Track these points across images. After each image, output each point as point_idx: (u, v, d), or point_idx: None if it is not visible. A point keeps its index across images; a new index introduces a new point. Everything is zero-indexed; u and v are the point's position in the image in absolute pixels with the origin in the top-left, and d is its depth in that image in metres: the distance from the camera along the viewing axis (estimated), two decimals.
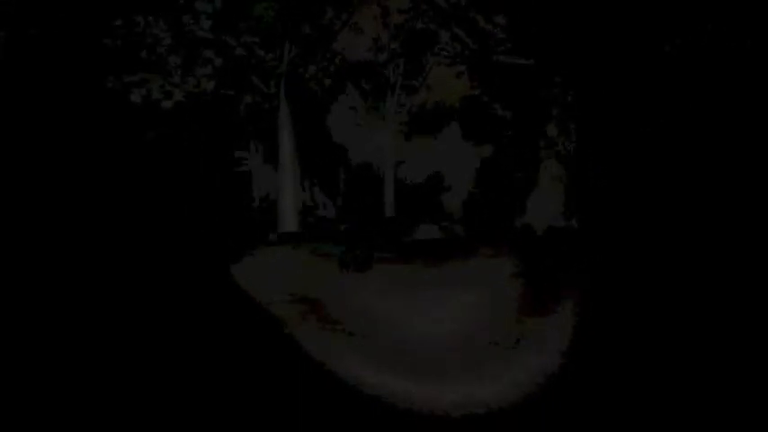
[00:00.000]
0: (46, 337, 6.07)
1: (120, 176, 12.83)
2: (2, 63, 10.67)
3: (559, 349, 6.93)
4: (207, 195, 16.97)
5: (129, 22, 11.50)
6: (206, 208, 16.84)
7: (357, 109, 23.23)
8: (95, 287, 7.68)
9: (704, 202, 9.02)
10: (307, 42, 16.86)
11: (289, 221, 17.69)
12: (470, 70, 15.91)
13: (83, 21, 10.90)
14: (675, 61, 9.39)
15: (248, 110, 15.42)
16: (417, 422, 5.50)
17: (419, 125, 23.00)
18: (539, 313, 8.08)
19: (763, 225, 7.86)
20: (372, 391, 6.09)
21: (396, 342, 7.61)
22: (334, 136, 22.79)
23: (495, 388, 6.22)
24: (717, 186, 8.82)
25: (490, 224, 19.39)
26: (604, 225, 11.07)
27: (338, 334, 7.66)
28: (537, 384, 6.20)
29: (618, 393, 5.61)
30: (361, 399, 5.75)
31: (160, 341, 6.30)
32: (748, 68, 8.30)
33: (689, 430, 4.79)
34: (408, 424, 5.42)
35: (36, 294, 7.20)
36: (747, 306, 6.72)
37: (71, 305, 7.14)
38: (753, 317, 6.48)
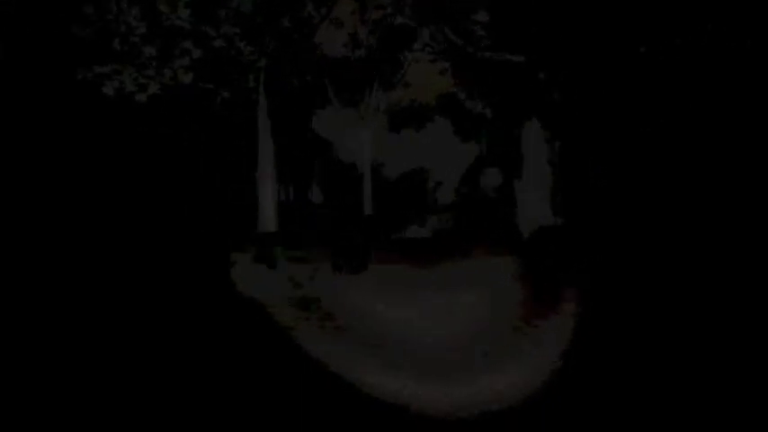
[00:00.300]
0: (46, 336, 5.77)
1: (120, 175, 12.23)
2: None
3: (558, 350, 6.86)
4: (206, 194, 16.38)
5: (100, 8, 10.82)
6: (206, 207, 16.26)
7: (335, 105, 22.87)
8: (94, 287, 7.30)
9: (702, 202, 9.14)
10: (286, 36, 16.41)
11: (268, 220, 17.22)
12: (454, 67, 15.81)
13: (51, 7, 10.18)
14: (676, 60, 9.47)
15: (225, 105, 14.88)
16: (418, 422, 5.36)
17: (398, 122, 22.81)
18: (538, 314, 8.02)
19: (761, 223, 8.00)
20: (373, 391, 5.89)
21: (396, 343, 7.40)
22: (317, 132, 22.37)
23: (494, 388, 6.10)
24: (716, 185, 8.94)
25: (478, 222, 19.40)
26: (596, 223, 11.15)
27: (337, 335, 7.41)
28: (537, 385, 6.11)
29: (617, 392, 5.56)
30: (363, 399, 5.56)
31: (160, 339, 6.03)
32: (748, 68, 8.42)
33: (689, 429, 4.77)
34: (409, 424, 5.28)
35: (32, 296, 6.77)
36: (745, 303, 6.78)
37: (69, 306, 6.75)
38: (751, 314, 6.53)
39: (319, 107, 22.49)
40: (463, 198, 20.60)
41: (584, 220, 11.75)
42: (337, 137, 23.08)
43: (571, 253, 9.95)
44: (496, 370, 6.77)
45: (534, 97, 13.32)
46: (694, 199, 9.29)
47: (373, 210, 24.75)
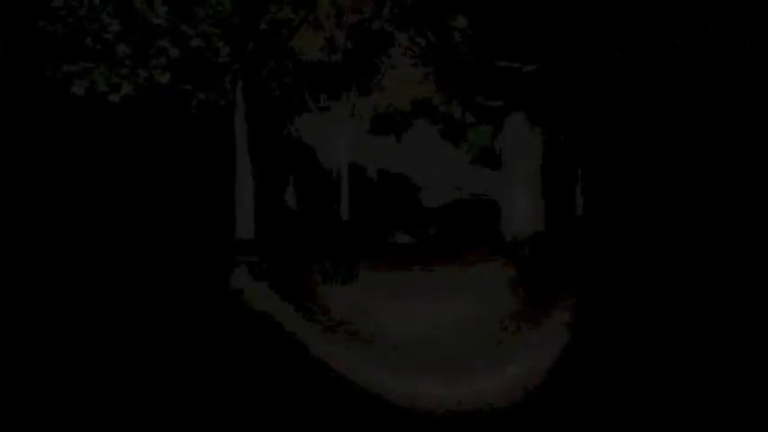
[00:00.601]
0: (46, 336, 5.40)
1: (89, 181, 11.54)
2: None
3: (547, 357, 6.77)
4: (183, 200, 15.75)
5: (70, 3, 10.19)
6: (182, 213, 15.62)
7: (313, 109, 22.53)
8: (91, 289, 6.82)
9: (702, 203, 9.24)
10: (265, 38, 16.02)
11: (246, 227, 16.69)
12: (436, 72, 15.79)
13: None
14: (675, 60, 9.60)
15: (202, 107, 14.35)
16: (403, 421, 5.19)
17: (381, 126, 22.66)
18: (527, 320, 7.92)
19: (761, 223, 8.12)
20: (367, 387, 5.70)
21: (386, 349, 7.19)
22: (295, 137, 21.94)
23: (477, 394, 5.98)
24: (716, 186, 9.05)
25: (466, 226, 19.36)
26: (593, 226, 11.19)
27: (334, 338, 7.18)
28: (521, 391, 6.00)
29: (613, 396, 5.49)
30: (355, 395, 5.36)
31: (161, 342, 5.76)
32: (748, 68, 8.57)
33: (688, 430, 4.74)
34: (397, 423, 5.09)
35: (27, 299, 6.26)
36: (745, 304, 6.84)
37: (37, 315, 6.27)
38: (751, 315, 6.58)
39: (297, 111, 22.11)
40: (450, 202, 20.54)
41: (582, 222, 11.80)
42: (316, 142, 22.73)
43: (567, 257, 9.92)
44: (481, 375, 6.63)
45: (520, 100, 13.39)
46: (694, 200, 9.41)
47: (351, 216, 24.43)
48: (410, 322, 8.60)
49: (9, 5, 8.36)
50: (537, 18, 11.25)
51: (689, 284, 7.74)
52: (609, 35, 10.34)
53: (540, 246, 12.59)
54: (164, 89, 11.69)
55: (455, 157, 20.05)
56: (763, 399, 5.10)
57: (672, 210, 9.76)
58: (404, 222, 19.96)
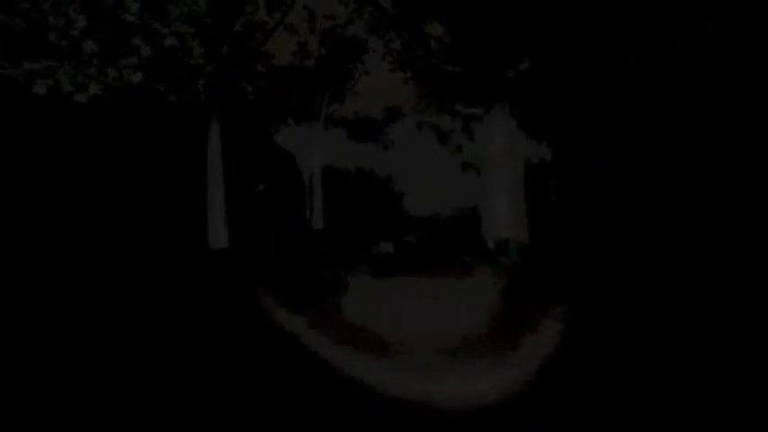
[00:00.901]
0: (45, 336, 4.99)
1: (47, 188, 10.72)
2: None
3: (538, 364, 6.67)
4: (154, 207, 14.98)
5: None
6: (154, 222, 14.86)
7: (287, 115, 22.09)
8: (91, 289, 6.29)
9: (701, 206, 9.34)
10: (239, 40, 15.53)
11: (220, 236, 16.03)
12: (415, 78, 15.69)
13: None
14: (675, 60, 9.68)
15: (174, 110, 13.71)
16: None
17: (359, 133, 22.41)
18: (518, 328, 7.84)
19: (761, 225, 8.24)
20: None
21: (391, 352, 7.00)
22: (269, 143, 21.38)
23: (475, 392, 5.83)
24: (716, 189, 9.14)
25: (445, 233, 19.26)
26: (588, 231, 11.22)
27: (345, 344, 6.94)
28: (501, 400, 5.88)
29: (605, 409, 5.41)
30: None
31: (162, 343, 5.38)
32: (748, 68, 8.70)
33: None
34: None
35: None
36: (743, 306, 6.86)
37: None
38: (749, 315, 6.61)
39: (271, 117, 21.61)
40: (430, 208, 20.44)
41: (561, 228, 11.83)
42: (294, 147, 22.26)
43: (554, 263, 9.90)
44: (459, 381, 6.47)
45: (505, 105, 13.41)
46: (690, 205, 9.50)
47: (326, 224, 23.99)
48: (400, 327, 8.39)
49: None
50: (538, 18, 11.18)
51: (679, 291, 7.79)
52: (609, 35, 10.40)
53: (524, 253, 12.58)
54: (134, 89, 11.04)
55: (435, 162, 20.00)
56: (759, 407, 5.04)
57: (666, 215, 9.88)
58: (384, 229, 19.69)
